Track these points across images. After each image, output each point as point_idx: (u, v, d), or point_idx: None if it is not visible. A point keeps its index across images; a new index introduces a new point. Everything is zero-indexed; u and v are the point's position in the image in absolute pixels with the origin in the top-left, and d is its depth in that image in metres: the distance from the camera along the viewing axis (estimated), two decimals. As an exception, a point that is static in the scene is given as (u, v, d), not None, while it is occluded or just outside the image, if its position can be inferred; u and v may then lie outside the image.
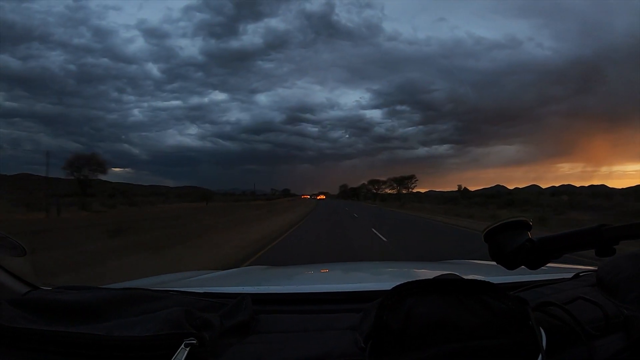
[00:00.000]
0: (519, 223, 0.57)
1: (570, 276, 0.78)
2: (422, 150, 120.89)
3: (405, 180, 70.59)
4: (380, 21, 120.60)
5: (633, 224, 0.49)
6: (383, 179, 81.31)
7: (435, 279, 0.52)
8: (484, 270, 1.22)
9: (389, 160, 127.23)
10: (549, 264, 0.57)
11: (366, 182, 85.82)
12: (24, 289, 0.71)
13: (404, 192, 68.31)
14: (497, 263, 0.58)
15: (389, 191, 75.29)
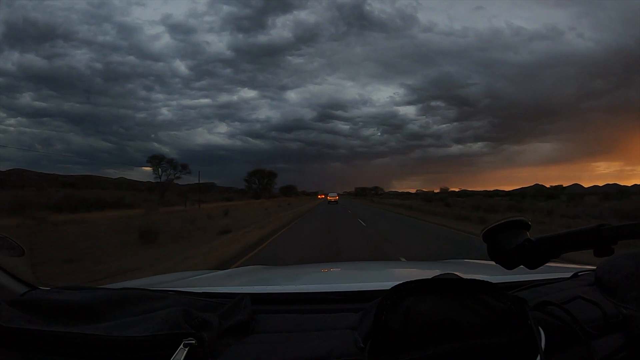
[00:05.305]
0: (518, 223, 0.57)
1: (569, 275, 0.78)
2: (456, 148, 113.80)
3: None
4: (414, 11, 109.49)
5: (631, 224, 0.49)
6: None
7: (434, 278, 0.52)
8: (483, 270, 1.22)
9: (421, 159, 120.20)
10: (547, 264, 0.57)
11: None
12: (22, 289, 0.71)
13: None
14: (496, 263, 0.58)
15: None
